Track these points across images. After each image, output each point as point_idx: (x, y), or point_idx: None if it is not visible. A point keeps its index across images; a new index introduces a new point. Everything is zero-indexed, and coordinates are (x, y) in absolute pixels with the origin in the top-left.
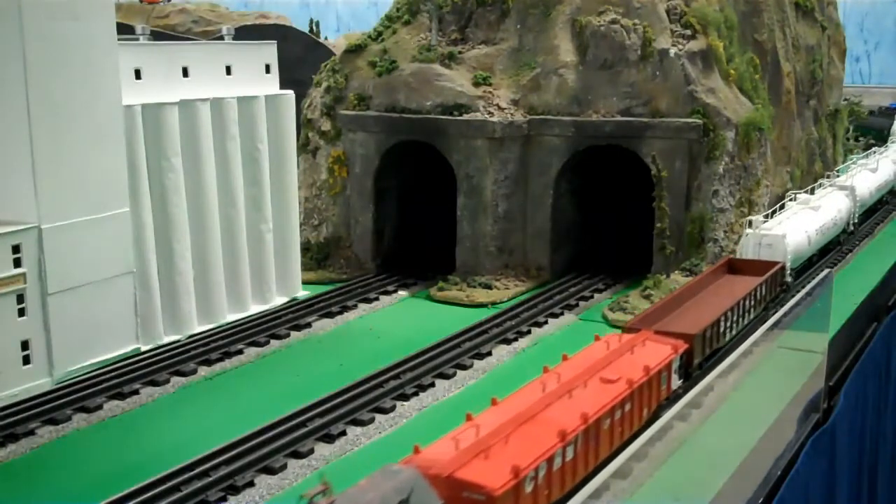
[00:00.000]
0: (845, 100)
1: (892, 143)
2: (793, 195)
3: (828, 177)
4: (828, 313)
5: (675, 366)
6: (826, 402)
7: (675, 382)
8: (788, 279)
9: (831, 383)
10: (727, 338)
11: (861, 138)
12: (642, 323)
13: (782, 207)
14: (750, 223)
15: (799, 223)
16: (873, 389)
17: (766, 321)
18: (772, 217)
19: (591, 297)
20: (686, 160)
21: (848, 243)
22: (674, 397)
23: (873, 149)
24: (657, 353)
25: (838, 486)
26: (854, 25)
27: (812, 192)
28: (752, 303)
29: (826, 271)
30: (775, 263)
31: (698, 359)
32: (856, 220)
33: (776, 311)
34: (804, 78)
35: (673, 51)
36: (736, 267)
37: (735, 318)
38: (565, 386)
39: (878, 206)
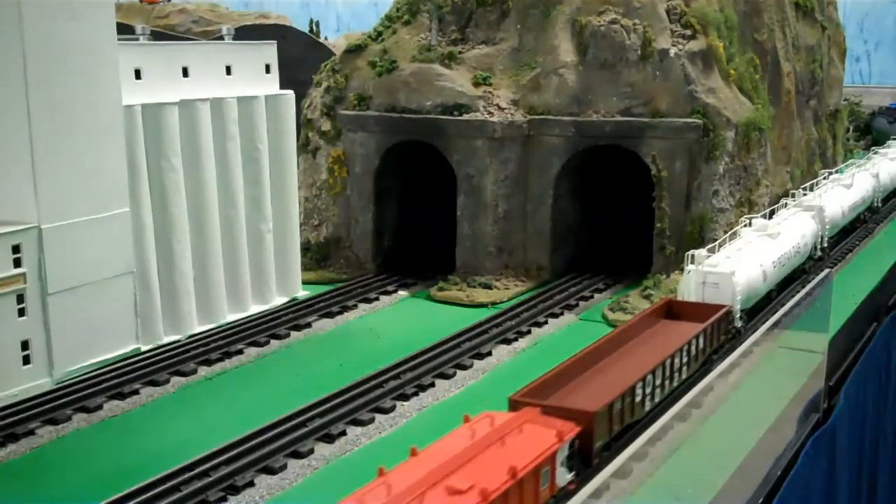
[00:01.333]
0: (845, 100)
1: (874, 153)
2: (747, 220)
3: (792, 195)
4: (828, 313)
5: (560, 458)
6: (826, 402)
7: (564, 478)
8: (738, 324)
9: (831, 383)
10: (647, 407)
11: (861, 139)
12: (533, 395)
13: (734, 236)
14: (692, 258)
15: (752, 256)
16: (873, 389)
17: (708, 374)
18: (721, 247)
19: (591, 297)
20: (686, 160)
21: (815, 271)
22: (563, 495)
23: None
24: (536, 442)
25: (838, 486)
26: (854, 25)
27: (771, 214)
28: (687, 358)
29: (826, 271)
30: (720, 307)
31: (602, 441)
32: (825, 245)
33: (720, 363)
34: (804, 78)
35: (673, 51)
36: (675, 311)
37: (660, 382)
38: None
39: (854, 224)
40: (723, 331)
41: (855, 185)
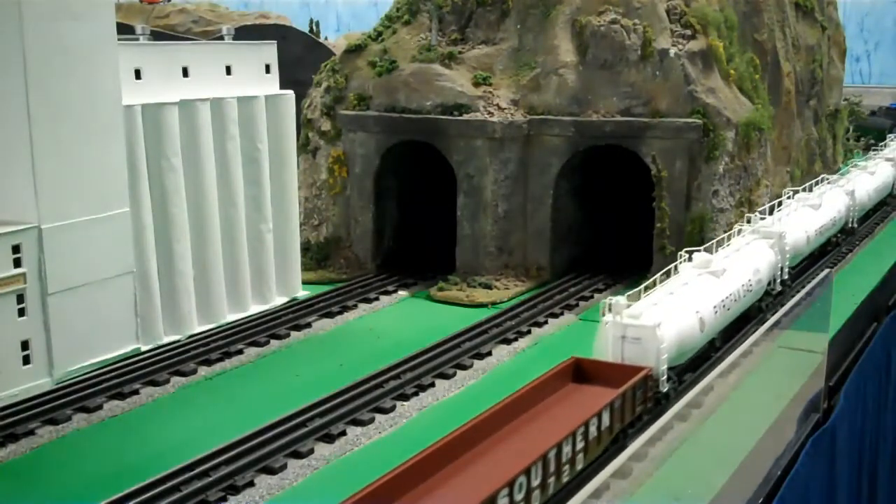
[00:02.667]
0: (845, 100)
1: (851, 167)
2: (684, 255)
3: (747, 220)
4: (828, 313)
5: None
6: (826, 402)
7: None
8: (665, 388)
9: (831, 383)
10: None
11: (861, 138)
12: None
13: (668, 275)
14: (610, 307)
15: (687, 300)
16: (873, 389)
17: (623, 451)
18: (651, 290)
19: (591, 297)
20: (686, 160)
21: (773, 308)
22: None
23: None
24: None
25: (838, 486)
26: (854, 25)
27: (716, 246)
28: (590, 439)
29: (826, 271)
30: (638, 370)
31: None
32: (785, 278)
33: (636, 438)
34: (804, 78)
35: (673, 51)
36: (585, 372)
37: (548, 474)
38: None
39: (824, 249)
40: (640, 399)
41: (824, 205)
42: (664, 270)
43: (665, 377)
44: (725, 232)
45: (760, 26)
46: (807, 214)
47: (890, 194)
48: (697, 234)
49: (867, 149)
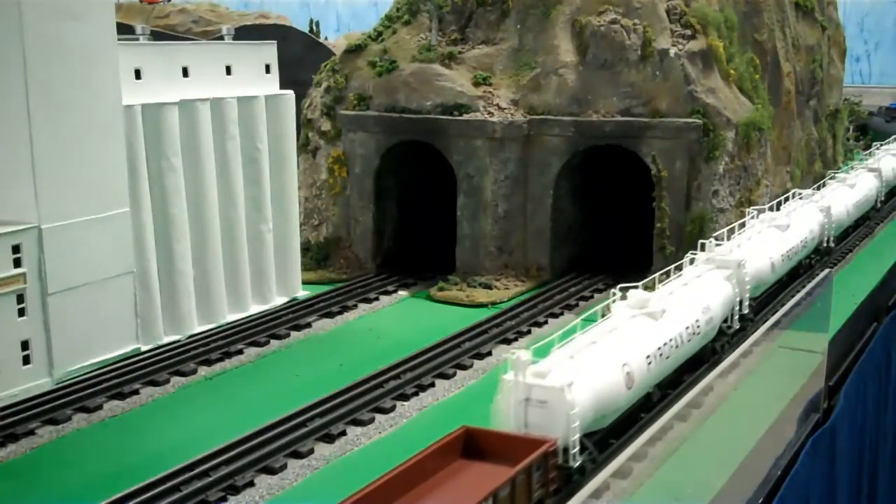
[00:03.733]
0: (845, 100)
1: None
2: (614, 295)
3: (701, 247)
4: (828, 313)
5: None
6: (826, 402)
7: None
8: (577, 462)
9: (831, 383)
10: None
11: (861, 138)
12: None
13: (582, 326)
14: (514, 362)
15: (611, 351)
16: (873, 389)
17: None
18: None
19: (591, 297)
20: (686, 160)
21: (730, 349)
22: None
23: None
24: None
25: (838, 486)
26: (854, 25)
27: (652, 285)
28: None
29: (826, 271)
30: (538, 443)
31: None
32: (745, 311)
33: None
34: (804, 78)
35: (673, 51)
36: (477, 444)
37: None
38: None
39: (796, 272)
40: (540, 481)
41: (794, 225)
42: (593, 311)
43: (577, 448)
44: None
45: (760, 26)
46: (772, 237)
47: (873, 208)
48: (697, 234)
49: (867, 148)
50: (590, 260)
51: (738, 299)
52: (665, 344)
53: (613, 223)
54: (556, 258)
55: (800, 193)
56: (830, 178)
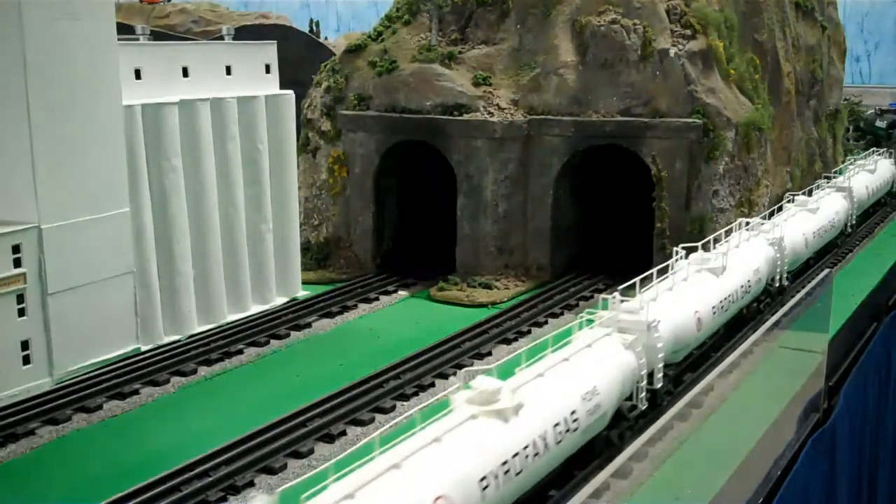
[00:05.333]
0: (845, 100)
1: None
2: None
3: (603, 305)
4: (828, 313)
5: None
6: (826, 402)
7: None
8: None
9: (831, 383)
10: None
11: (861, 139)
12: None
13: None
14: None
15: (466, 458)
16: (873, 389)
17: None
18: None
19: (591, 297)
20: (686, 160)
21: (630, 440)
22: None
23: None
24: None
25: (838, 486)
26: (854, 25)
27: (529, 361)
28: None
29: (826, 271)
30: None
31: None
32: (658, 385)
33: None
34: (804, 78)
35: (673, 51)
36: None
37: None
38: None
39: (741, 319)
40: None
41: (734, 267)
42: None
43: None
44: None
45: (760, 26)
46: (702, 285)
47: (842, 233)
48: (697, 235)
49: (867, 148)
50: (590, 260)
51: (641, 372)
52: (523, 453)
53: (613, 223)
54: (556, 258)
55: (747, 222)
56: (789, 201)
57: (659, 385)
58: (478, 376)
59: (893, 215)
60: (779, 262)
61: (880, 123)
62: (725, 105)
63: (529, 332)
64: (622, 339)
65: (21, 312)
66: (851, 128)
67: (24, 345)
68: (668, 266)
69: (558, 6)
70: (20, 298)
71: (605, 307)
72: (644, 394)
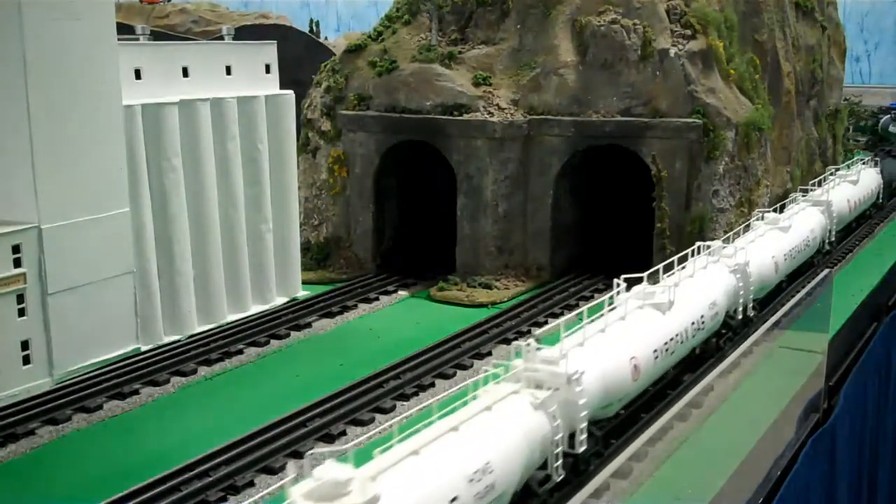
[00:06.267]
0: (845, 100)
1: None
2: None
3: (527, 345)
4: (828, 313)
5: None
6: (826, 402)
7: None
8: None
9: (831, 383)
10: None
11: (861, 138)
12: None
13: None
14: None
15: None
16: (873, 389)
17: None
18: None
19: (591, 297)
20: (686, 160)
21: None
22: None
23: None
24: None
25: (838, 486)
26: (854, 25)
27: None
28: None
29: (826, 271)
30: None
31: None
32: (588, 450)
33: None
34: (804, 78)
35: (673, 51)
36: None
37: None
38: None
39: (699, 355)
40: None
41: (683, 302)
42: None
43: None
44: (725, 233)
45: (760, 26)
46: (649, 321)
47: (819, 251)
48: (697, 234)
49: (867, 148)
50: (590, 260)
51: (556, 435)
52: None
53: (613, 223)
54: (556, 258)
55: (707, 245)
56: (758, 219)
57: (581, 449)
58: (326, 461)
59: (879, 230)
60: (742, 292)
61: (895, 129)
62: (725, 105)
63: (529, 332)
64: (532, 398)
65: (21, 312)
66: (853, 129)
67: (24, 345)
68: (606, 301)
69: (558, 6)
70: (20, 298)
71: (519, 356)
72: (560, 461)
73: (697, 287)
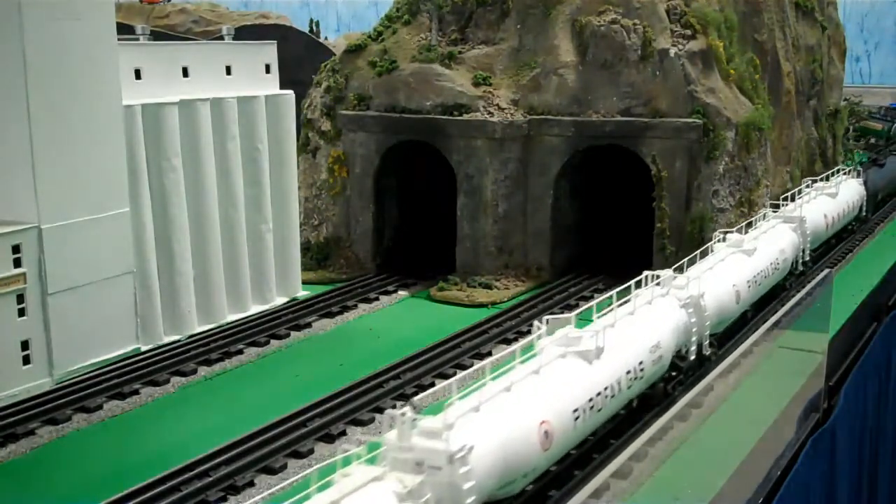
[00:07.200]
0: (845, 100)
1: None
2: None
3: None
4: (828, 313)
5: None
6: (826, 402)
7: None
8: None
9: (831, 383)
10: None
11: (861, 138)
12: None
13: None
14: None
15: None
16: (873, 389)
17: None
18: None
19: (591, 297)
20: (686, 160)
21: None
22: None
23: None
24: None
25: (838, 486)
26: (854, 25)
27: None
28: None
29: (826, 271)
30: None
31: None
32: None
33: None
34: (804, 78)
35: (673, 51)
36: None
37: None
38: None
39: (662, 386)
40: None
41: (613, 349)
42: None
43: None
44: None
45: (760, 26)
46: (572, 373)
47: (791, 273)
48: (697, 235)
49: (867, 148)
50: (590, 260)
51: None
52: None
53: (613, 223)
54: (556, 258)
55: (656, 275)
56: (719, 241)
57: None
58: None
59: (861, 247)
60: (695, 328)
61: None
62: (725, 105)
63: (529, 332)
64: (400, 486)
65: (21, 312)
66: (853, 129)
67: (24, 345)
68: (517, 353)
69: (558, 6)
70: (20, 298)
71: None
72: None
73: (637, 327)
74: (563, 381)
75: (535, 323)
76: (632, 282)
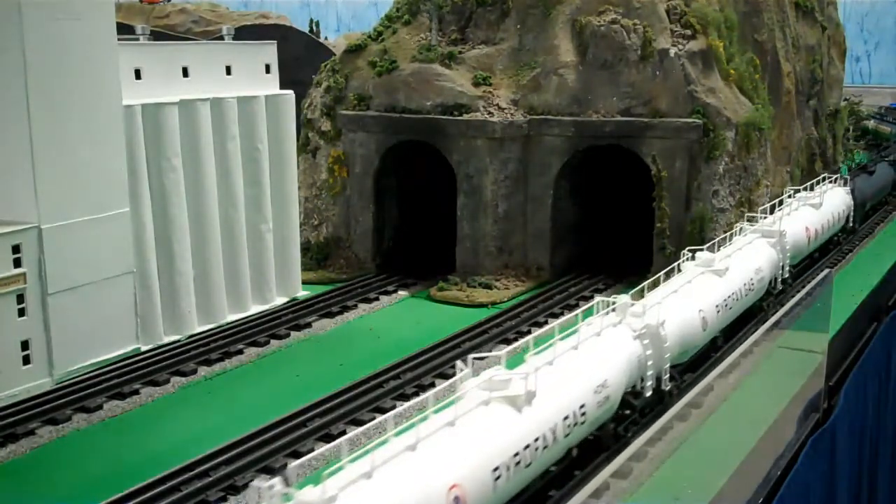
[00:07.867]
0: (845, 100)
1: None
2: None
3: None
4: (828, 313)
5: None
6: (826, 402)
7: None
8: None
9: (831, 383)
10: None
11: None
12: None
13: None
14: None
15: None
16: (873, 389)
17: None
18: None
19: (591, 297)
20: (686, 160)
21: None
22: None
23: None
24: None
25: (838, 486)
26: (854, 25)
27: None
28: None
29: (826, 271)
30: None
31: None
32: None
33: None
34: (804, 78)
35: (673, 51)
36: None
37: None
38: None
39: (613, 428)
40: None
41: (547, 392)
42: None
43: None
44: (725, 232)
45: (760, 26)
46: (499, 420)
47: (769, 293)
48: (697, 234)
49: (867, 148)
50: (590, 260)
51: None
52: None
53: (613, 223)
54: (556, 258)
55: (612, 302)
56: (688, 260)
57: None
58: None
59: (846, 260)
60: (651, 362)
61: None
62: (725, 105)
63: (529, 332)
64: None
65: (21, 312)
66: (852, 129)
67: (24, 345)
68: (429, 400)
69: (558, 6)
70: (20, 298)
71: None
72: None
73: (580, 364)
74: (483, 433)
75: (458, 363)
76: (579, 311)
